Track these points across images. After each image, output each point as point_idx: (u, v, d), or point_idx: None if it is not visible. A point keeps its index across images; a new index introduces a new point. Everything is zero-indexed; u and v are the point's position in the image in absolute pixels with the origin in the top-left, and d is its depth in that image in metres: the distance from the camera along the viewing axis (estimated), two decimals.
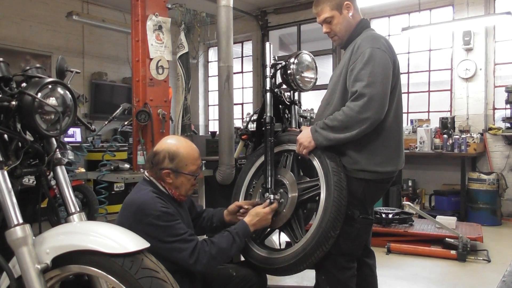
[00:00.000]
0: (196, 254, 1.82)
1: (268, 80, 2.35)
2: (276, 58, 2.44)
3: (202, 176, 2.85)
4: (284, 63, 2.38)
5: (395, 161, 2.09)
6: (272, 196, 2.13)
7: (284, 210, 2.14)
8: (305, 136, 2.09)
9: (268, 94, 2.33)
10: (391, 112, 2.04)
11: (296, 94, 2.66)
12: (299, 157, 2.22)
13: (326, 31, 2.20)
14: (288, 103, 2.51)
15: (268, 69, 2.37)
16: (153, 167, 1.98)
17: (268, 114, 2.27)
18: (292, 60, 2.35)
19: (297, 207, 2.13)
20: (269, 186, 2.15)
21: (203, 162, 2.44)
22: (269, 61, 2.40)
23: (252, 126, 2.75)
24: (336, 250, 2.01)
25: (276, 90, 2.40)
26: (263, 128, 2.28)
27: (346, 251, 2.06)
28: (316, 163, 2.08)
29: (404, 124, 6.86)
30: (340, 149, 2.06)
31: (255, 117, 2.67)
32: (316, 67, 2.45)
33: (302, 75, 2.38)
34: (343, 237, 2.00)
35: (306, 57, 2.41)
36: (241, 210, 2.21)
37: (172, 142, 2.01)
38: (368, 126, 1.93)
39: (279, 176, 2.22)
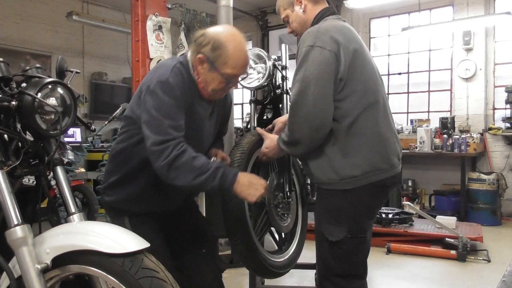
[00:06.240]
0: (166, 148, 1.53)
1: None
2: (276, 58, 2.43)
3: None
4: None
5: (378, 160, 1.75)
6: None
7: None
8: (272, 146, 1.97)
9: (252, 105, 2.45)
10: (355, 110, 1.73)
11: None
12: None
13: (288, 31, 2.06)
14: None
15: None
16: (194, 48, 1.72)
17: (253, 124, 2.37)
18: None
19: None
20: None
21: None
22: (285, 62, 2.42)
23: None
24: (330, 272, 1.81)
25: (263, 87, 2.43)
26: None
27: (341, 273, 1.81)
28: None
29: (404, 124, 6.89)
30: (310, 160, 1.84)
31: None
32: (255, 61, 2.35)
33: None
34: (333, 259, 1.80)
35: None
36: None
37: (227, 33, 1.72)
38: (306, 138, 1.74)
39: None
